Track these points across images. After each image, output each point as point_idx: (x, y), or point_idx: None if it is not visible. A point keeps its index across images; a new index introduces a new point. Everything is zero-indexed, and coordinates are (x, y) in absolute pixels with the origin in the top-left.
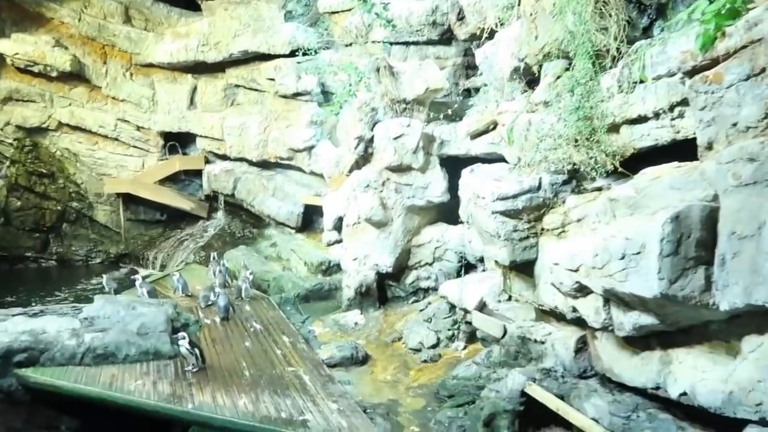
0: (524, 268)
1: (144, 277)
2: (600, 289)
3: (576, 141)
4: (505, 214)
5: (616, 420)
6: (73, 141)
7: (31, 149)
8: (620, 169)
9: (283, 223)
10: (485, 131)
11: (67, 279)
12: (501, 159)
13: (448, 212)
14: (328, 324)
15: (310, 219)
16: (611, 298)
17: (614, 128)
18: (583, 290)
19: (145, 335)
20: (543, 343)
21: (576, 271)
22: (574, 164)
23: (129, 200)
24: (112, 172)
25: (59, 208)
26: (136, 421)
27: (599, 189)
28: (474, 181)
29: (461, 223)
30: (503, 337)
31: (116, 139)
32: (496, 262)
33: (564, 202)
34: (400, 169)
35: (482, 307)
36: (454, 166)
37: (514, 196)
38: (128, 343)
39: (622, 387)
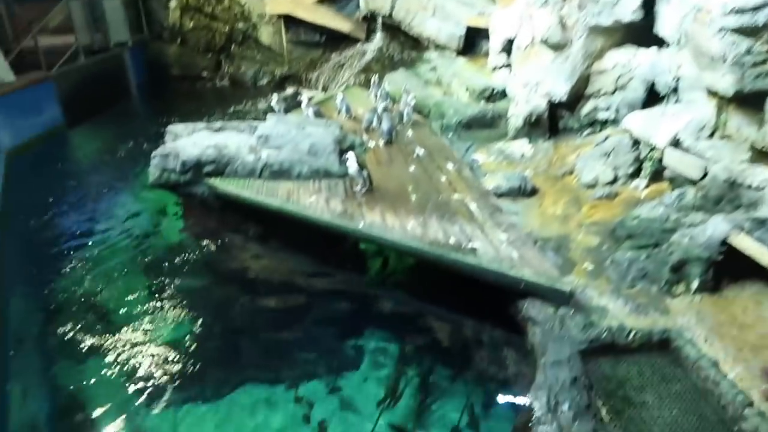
0: (750, 101)
1: (309, 98)
2: None
3: None
4: (739, 31)
5: None
6: None
7: None
8: None
9: (443, 46)
10: None
11: (239, 98)
12: None
13: (638, 33)
14: (492, 153)
15: (472, 41)
16: None
17: None
18: None
19: (315, 154)
20: (760, 189)
21: None
22: None
23: (289, 21)
24: None
25: (227, 29)
26: (311, 233)
27: None
28: None
29: (655, 45)
30: (702, 179)
31: None
32: (711, 92)
33: None
34: None
35: (675, 143)
36: None
37: (755, 9)
38: (300, 162)
39: None
